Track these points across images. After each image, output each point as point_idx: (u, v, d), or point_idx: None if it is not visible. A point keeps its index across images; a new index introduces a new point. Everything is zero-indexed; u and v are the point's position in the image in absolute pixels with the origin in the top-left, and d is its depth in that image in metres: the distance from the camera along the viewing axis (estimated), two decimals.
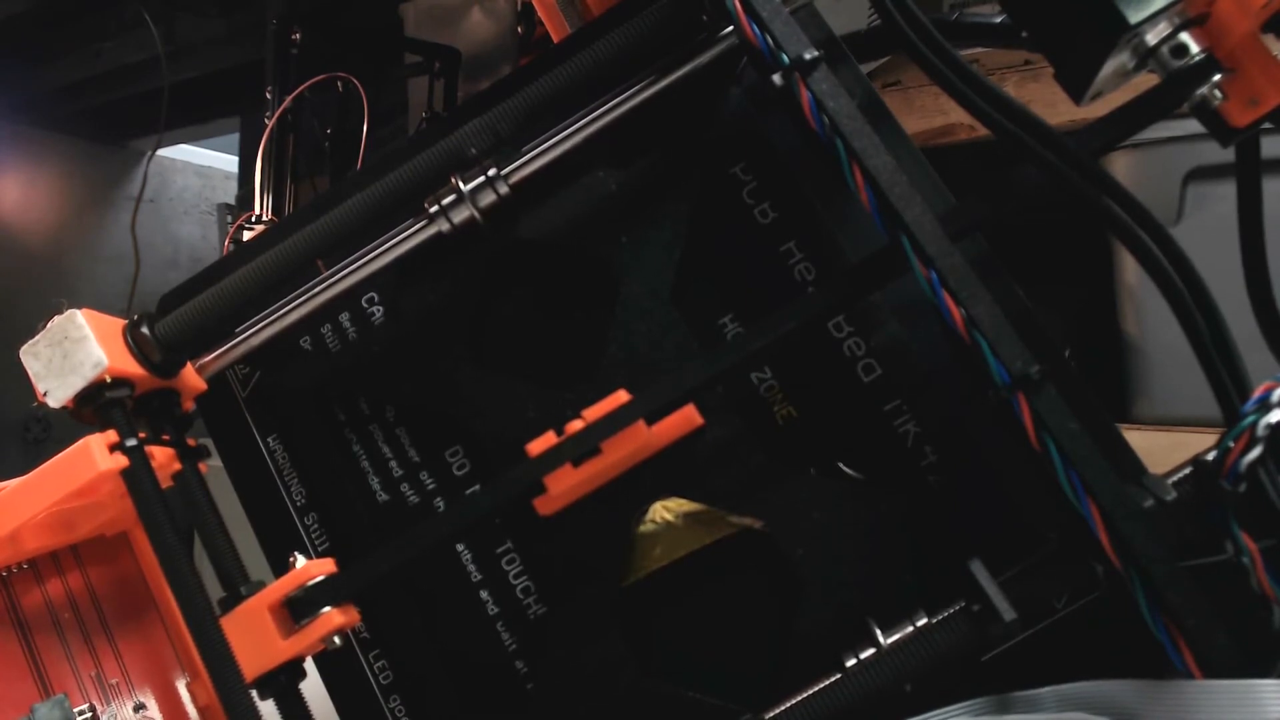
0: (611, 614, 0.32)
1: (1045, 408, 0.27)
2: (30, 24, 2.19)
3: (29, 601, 0.37)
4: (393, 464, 0.34)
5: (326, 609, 0.32)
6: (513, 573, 0.33)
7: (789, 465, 0.31)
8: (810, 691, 0.29)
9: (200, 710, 0.39)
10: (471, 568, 0.33)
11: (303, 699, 0.33)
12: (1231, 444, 0.27)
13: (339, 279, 0.34)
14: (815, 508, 0.31)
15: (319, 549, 0.35)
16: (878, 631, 0.28)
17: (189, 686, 0.39)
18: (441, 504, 0.34)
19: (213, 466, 0.36)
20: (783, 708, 0.29)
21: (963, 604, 0.28)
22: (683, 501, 0.32)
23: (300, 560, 0.33)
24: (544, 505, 0.31)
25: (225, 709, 0.30)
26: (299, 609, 0.32)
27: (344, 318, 0.36)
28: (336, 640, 0.32)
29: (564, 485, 0.30)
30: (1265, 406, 0.27)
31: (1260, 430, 0.27)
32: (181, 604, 0.31)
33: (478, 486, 0.34)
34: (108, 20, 2.21)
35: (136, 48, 2.16)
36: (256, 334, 0.35)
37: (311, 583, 0.32)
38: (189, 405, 0.37)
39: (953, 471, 0.29)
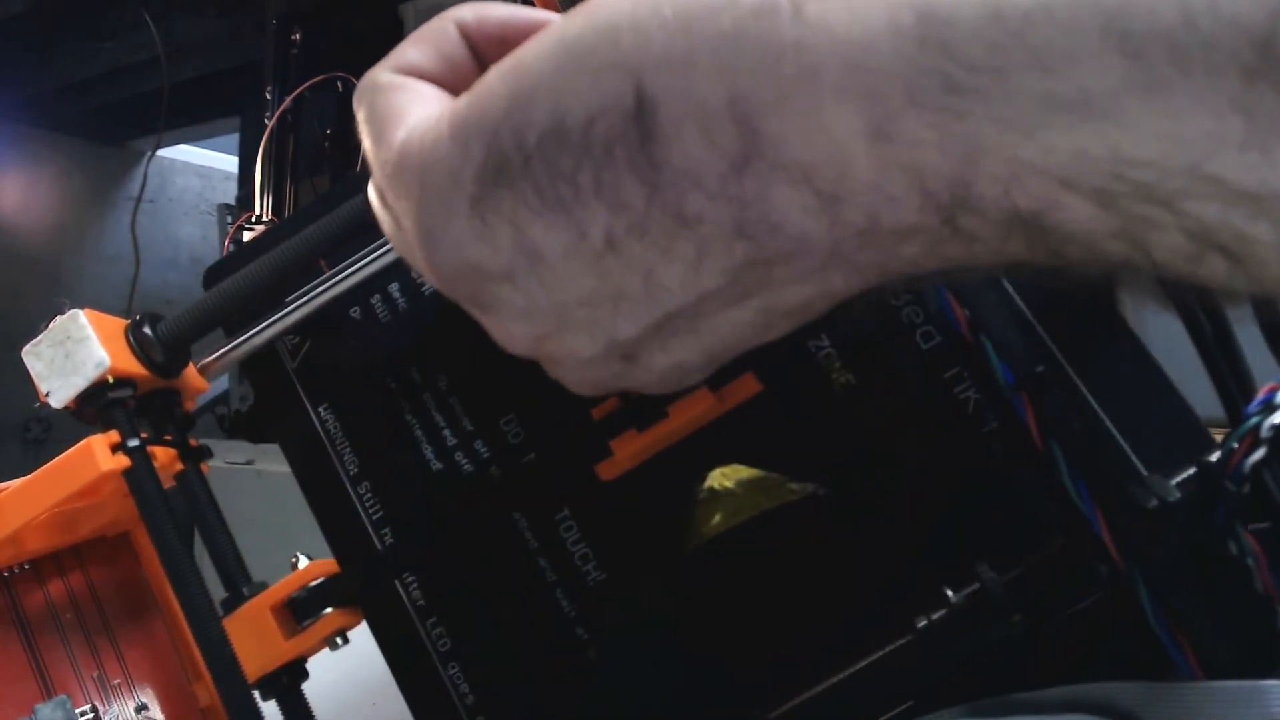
0: (672, 580, 0.32)
1: (1049, 408, 0.27)
2: (30, 24, 2.19)
3: (31, 602, 0.37)
4: (446, 432, 0.34)
5: (329, 610, 0.32)
6: (571, 539, 0.33)
7: (847, 431, 0.31)
8: (867, 661, 0.29)
9: (202, 711, 0.39)
10: (529, 535, 0.33)
11: (305, 700, 0.33)
12: (1235, 445, 0.27)
13: (385, 251, 0.34)
14: (874, 474, 0.30)
15: (373, 518, 0.35)
16: (950, 593, 0.28)
17: (191, 687, 0.39)
18: (497, 472, 0.34)
19: (219, 468, 0.36)
20: (835, 680, 0.29)
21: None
22: (741, 468, 0.32)
23: (302, 561, 0.33)
24: (607, 470, 0.32)
25: (227, 709, 0.30)
26: (301, 609, 0.32)
27: (393, 288, 0.35)
28: (339, 641, 0.32)
29: (629, 449, 0.31)
30: (1270, 408, 0.27)
31: (1265, 431, 0.27)
32: (184, 604, 0.31)
33: (533, 455, 0.33)
34: (108, 20, 2.21)
35: (136, 48, 2.17)
36: (262, 331, 0.35)
37: (314, 583, 0.32)
38: (190, 405, 0.37)
39: (1014, 440, 0.29)
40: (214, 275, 0.37)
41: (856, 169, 0.18)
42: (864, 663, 0.29)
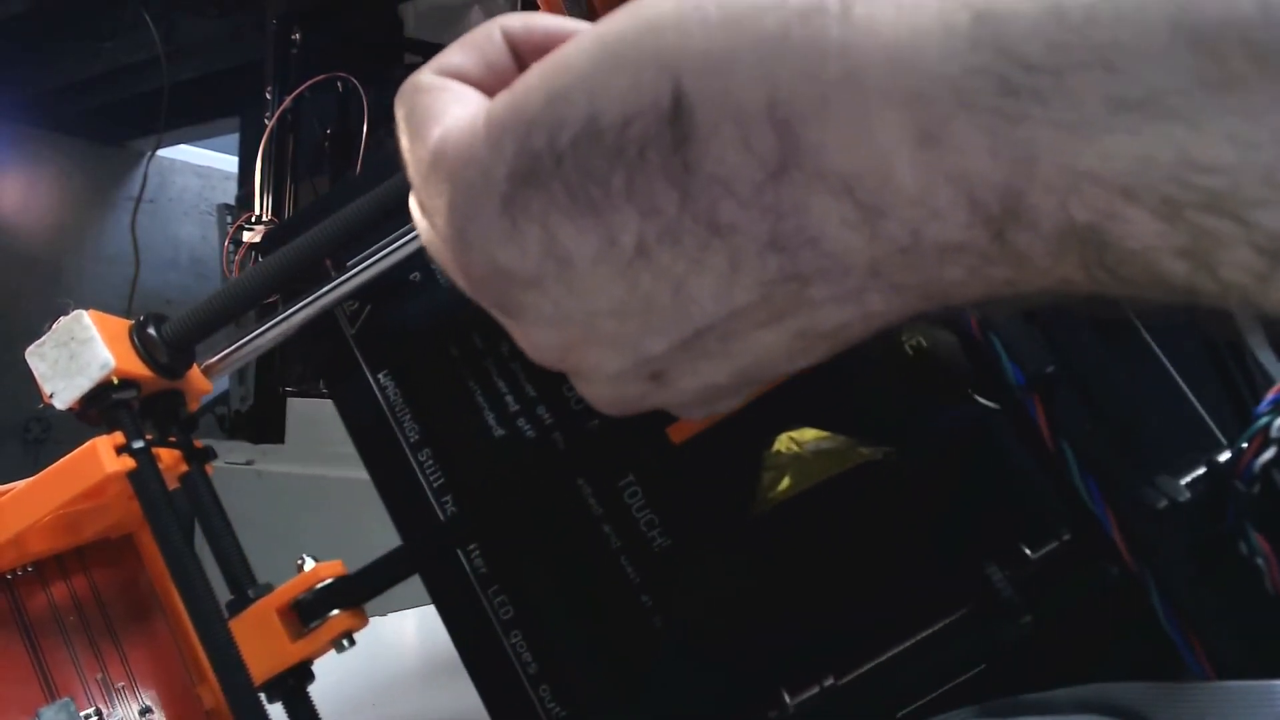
0: (738, 545, 0.31)
1: (1060, 408, 0.27)
2: (30, 24, 2.19)
3: (34, 604, 0.37)
4: (508, 399, 0.34)
5: (335, 612, 0.32)
6: (635, 505, 0.32)
7: (920, 395, 0.30)
8: (940, 626, 0.29)
9: (207, 713, 0.39)
10: (592, 501, 0.33)
11: (311, 702, 0.33)
12: (1245, 445, 0.27)
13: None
14: (947, 437, 0.30)
15: (434, 485, 0.34)
16: (1027, 550, 0.28)
17: (196, 690, 0.39)
18: (560, 438, 0.33)
19: (220, 468, 0.36)
20: (851, 677, 0.29)
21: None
22: (810, 430, 0.31)
23: (308, 563, 0.33)
24: (678, 432, 0.31)
25: (233, 712, 0.30)
26: (308, 611, 0.32)
27: None
28: (345, 643, 0.32)
29: None
30: (1279, 408, 0.27)
31: (1275, 432, 0.27)
32: (189, 607, 0.31)
33: (597, 420, 0.33)
34: (108, 20, 2.21)
35: (136, 48, 2.17)
36: (265, 334, 0.35)
37: (320, 585, 0.32)
38: (195, 406, 0.37)
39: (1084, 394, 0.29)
40: (276, 239, 0.36)
41: (901, 178, 0.17)
42: (870, 665, 0.29)
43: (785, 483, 0.31)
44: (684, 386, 0.23)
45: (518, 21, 0.24)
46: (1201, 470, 0.28)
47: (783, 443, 0.31)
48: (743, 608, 0.31)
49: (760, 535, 0.31)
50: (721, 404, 0.24)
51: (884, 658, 0.29)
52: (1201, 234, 0.16)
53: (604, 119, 0.19)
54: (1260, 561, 0.26)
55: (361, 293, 0.35)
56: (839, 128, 0.17)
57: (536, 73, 0.20)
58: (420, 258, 0.35)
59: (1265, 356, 0.31)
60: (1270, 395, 0.27)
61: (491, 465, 0.34)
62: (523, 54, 0.24)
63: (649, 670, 0.32)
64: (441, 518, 0.34)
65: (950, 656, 0.28)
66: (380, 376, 0.35)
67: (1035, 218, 0.17)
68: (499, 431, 0.34)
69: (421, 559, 0.33)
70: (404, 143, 0.22)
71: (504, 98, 0.20)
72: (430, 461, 0.34)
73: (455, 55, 0.24)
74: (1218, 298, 0.17)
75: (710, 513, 0.32)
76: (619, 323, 0.21)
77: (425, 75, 0.23)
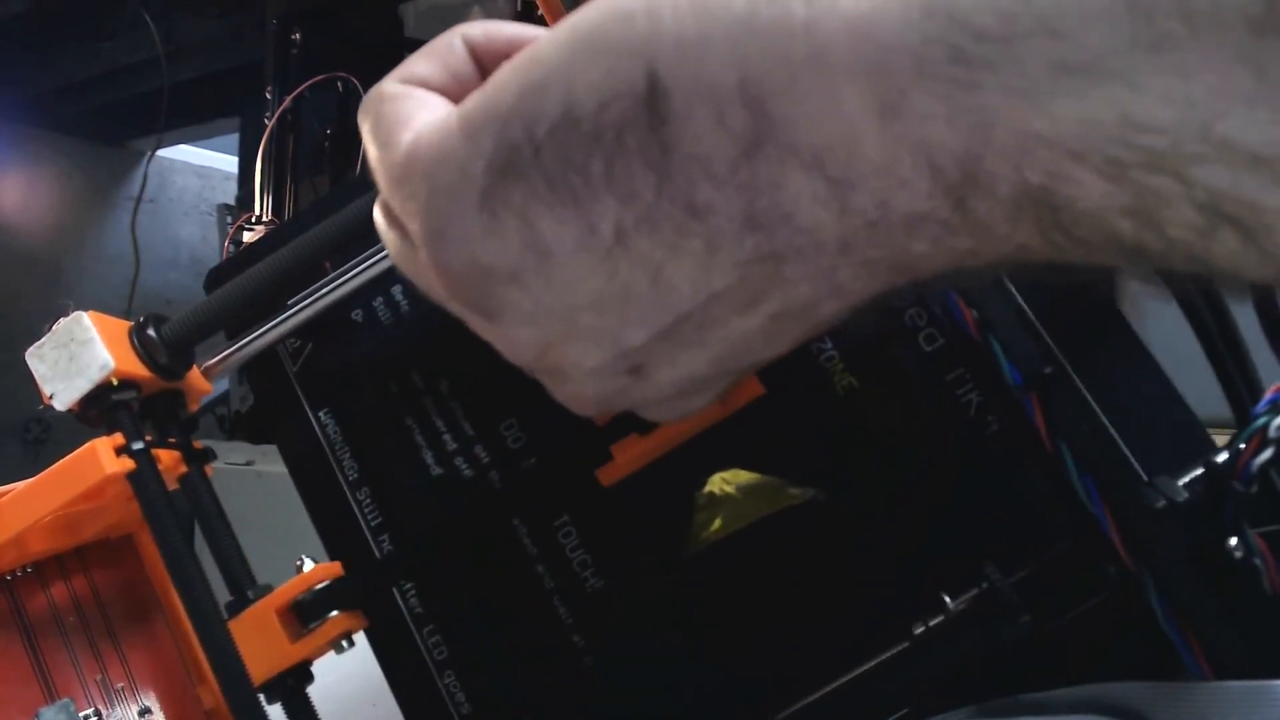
0: (670, 586, 0.32)
1: (1058, 409, 0.27)
2: (30, 24, 2.19)
3: (34, 605, 0.37)
4: (446, 437, 0.34)
5: (335, 613, 0.32)
6: (569, 546, 0.32)
7: (850, 435, 0.31)
8: (875, 662, 0.29)
9: (206, 714, 0.39)
10: (527, 541, 0.33)
11: (310, 703, 0.33)
12: (1243, 445, 0.27)
13: (387, 255, 0.33)
14: (877, 478, 0.30)
15: (371, 524, 0.34)
16: (948, 600, 0.28)
17: (195, 690, 0.39)
18: (497, 477, 0.34)
19: (218, 469, 0.36)
20: (843, 681, 0.29)
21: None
22: (741, 472, 0.31)
23: (308, 564, 0.33)
24: (608, 474, 0.31)
25: (232, 712, 0.30)
26: (307, 612, 0.32)
27: (396, 290, 0.35)
28: (344, 644, 0.32)
29: (630, 454, 0.31)
30: (1277, 408, 0.27)
31: (1272, 432, 0.27)
32: (189, 607, 0.31)
33: (533, 460, 0.33)
34: (108, 20, 2.21)
35: (136, 48, 2.17)
36: (265, 333, 0.35)
37: (319, 586, 0.32)
38: (194, 407, 0.37)
39: (1016, 441, 0.29)
40: (216, 278, 0.37)
41: (867, 149, 0.18)
42: (864, 668, 0.29)
43: (717, 523, 0.31)
44: (662, 379, 0.23)
45: (478, 30, 0.25)
46: (1199, 470, 0.28)
47: (715, 483, 0.31)
48: (676, 648, 0.31)
49: (694, 576, 0.31)
50: (695, 401, 0.25)
51: (820, 694, 0.29)
52: (1146, 192, 0.16)
53: (581, 106, 0.19)
54: (1258, 561, 0.26)
55: (304, 331, 0.35)
56: (808, 102, 0.18)
57: (509, 69, 0.20)
58: (362, 296, 0.35)
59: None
60: (1268, 395, 0.27)
61: (429, 504, 0.34)
62: (484, 62, 0.24)
63: (581, 711, 0.32)
64: (378, 556, 0.34)
65: (950, 657, 0.28)
66: (321, 414, 0.36)
67: (992, 183, 0.17)
68: (437, 470, 0.34)
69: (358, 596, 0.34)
70: (372, 152, 0.23)
71: (476, 96, 0.21)
72: (368, 500, 0.35)
73: (419, 64, 0.24)
74: (1165, 256, 0.17)
75: (643, 553, 0.32)
76: (598, 315, 0.21)
77: (389, 84, 0.23)
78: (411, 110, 0.22)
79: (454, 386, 0.34)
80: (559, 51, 0.19)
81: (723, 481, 0.32)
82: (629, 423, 0.31)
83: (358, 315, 0.36)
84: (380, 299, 0.35)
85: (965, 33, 0.16)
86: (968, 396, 0.30)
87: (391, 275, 0.35)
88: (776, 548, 0.31)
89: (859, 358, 0.31)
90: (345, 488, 0.35)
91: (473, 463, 0.34)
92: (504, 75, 0.20)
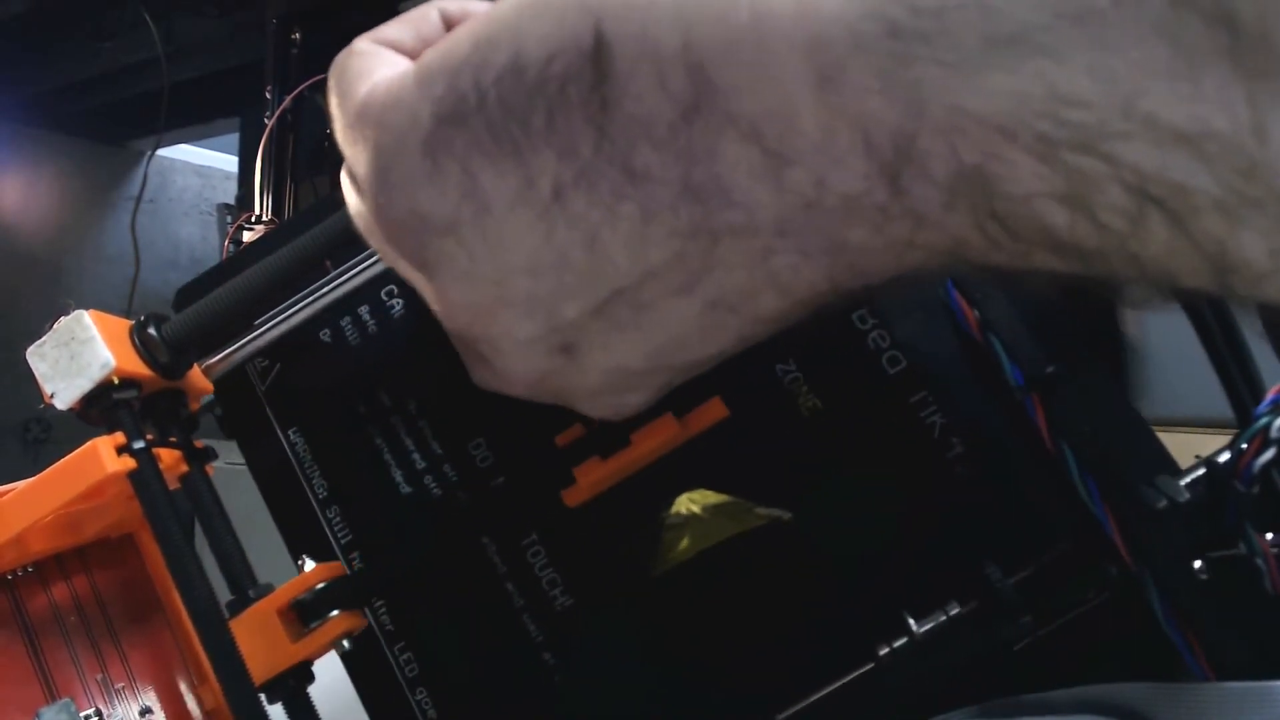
0: (639, 606, 0.32)
1: (1060, 409, 0.27)
2: (30, 24, 2.19)
3: (34, 605, 0.37)
4: (415, 456, 0.34)
5: (335, 612, 0.32)
6: (538, 564, 0.33)
7: (815, 457, 0.31)
8: (842, 682, 0.29)
9: (207, 714, 0.39)
10: (496, 559, 0.33)
11: (311, 703, 0.33)
12: (1245, 446, 0.27)
13: (357, 272, 0.34)
14: (841, 500, 0.31)
15: (341, 542, 0.35)
16: (911, 621, 0.28)
17: (196, 690, 0.39)
18: (465, 497, 0.34)
19: (219, 468, 0.36)
20: (812, 699, 0.29)
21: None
22: (708, 493, 0.32)
23: (309, 563, 0.33)
24: (571, 496, 0.32)
25: (233, 712, 0.30)
26: (308, 612, 0.32)
27: (363, 310, 0.35)
28: (345, 644, 0.32)
29: (593, 477, 0.31)
30: (1279, 408, 0.27)
31: (1274, 432, 0.27)
32: (189, 607, 0.31)
33: (502, 479, 0.33)
34: (108, 20, 2.20)
35: (136, 48, 2.16)
36: (266, 333, 0.35)
37: (320, 586, 0.32)
38: (195, 406, 0.37)
39: (980, 463, 0.29)
40: (185, 297, 0.37)
41: (804, 123, 0.18)
42: (830, 687, 0.29)
43: (685, 543, 0.31)
44: (594, 363, 0.23)
45: (455, 5, 0.25)
46: (1201, 471, 0.28)
47: (682, 503, 0.32)
48: (645, 667, 0.32)
49: (662, 595, 0.32)
50: (628, 398, 0.25)
51: (784, 715, 0.29)
52: (1075, 174, 0.16)
53: (528, 56, 0.19)
54: (1259, 561, 0.26)
55: (272, 350, 0.36)
56: (747, 70, 0.18)
57: (465, 25, 0.21)
58: (330, 316, 0.35)
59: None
60: (1269, 396, 0.27)
61: (398, 522, 0.34)
62: None
63: None
64: (349, 573, 0.34)
65: (951, 657, 0.28)
66: (290, 433, 0.36)
67: (926, 161, 0.17)
68: (406, 489, 0.34)
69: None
70: (334, 103, 0.23)
71: (433, 49, 0.21)
72: (338, 518, 0.35)
73: (392, 28, 0.25)
74: (1099, 252, 0.17)
75: (612, 572, 0.32)
76: (533, 281, 0.21)
77: (360, 43, 0.24)
78: (375, 65, 0.23)
79: (422, 406, 0.34)
80: (514, 6, 0.20)
81: (690, 502, 0.32)
82: (591, 445, 0.31)
83: (325, 335, 0.36)
84: (348, 319, 0.36)
85: (901, 5, 0.16)
86: (932, 419, 0.30)
87: (359, 295, 0.35)
88: (744, 568, 0.31)
89: (822, 379, 0.31)
90: (315, 505, 0.35)
91: (441, 481, 0.34)
92: (461, 29, 0.21)
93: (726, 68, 0.18)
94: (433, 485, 0.34)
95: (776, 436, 0.31)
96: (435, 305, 0.24)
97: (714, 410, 0.31)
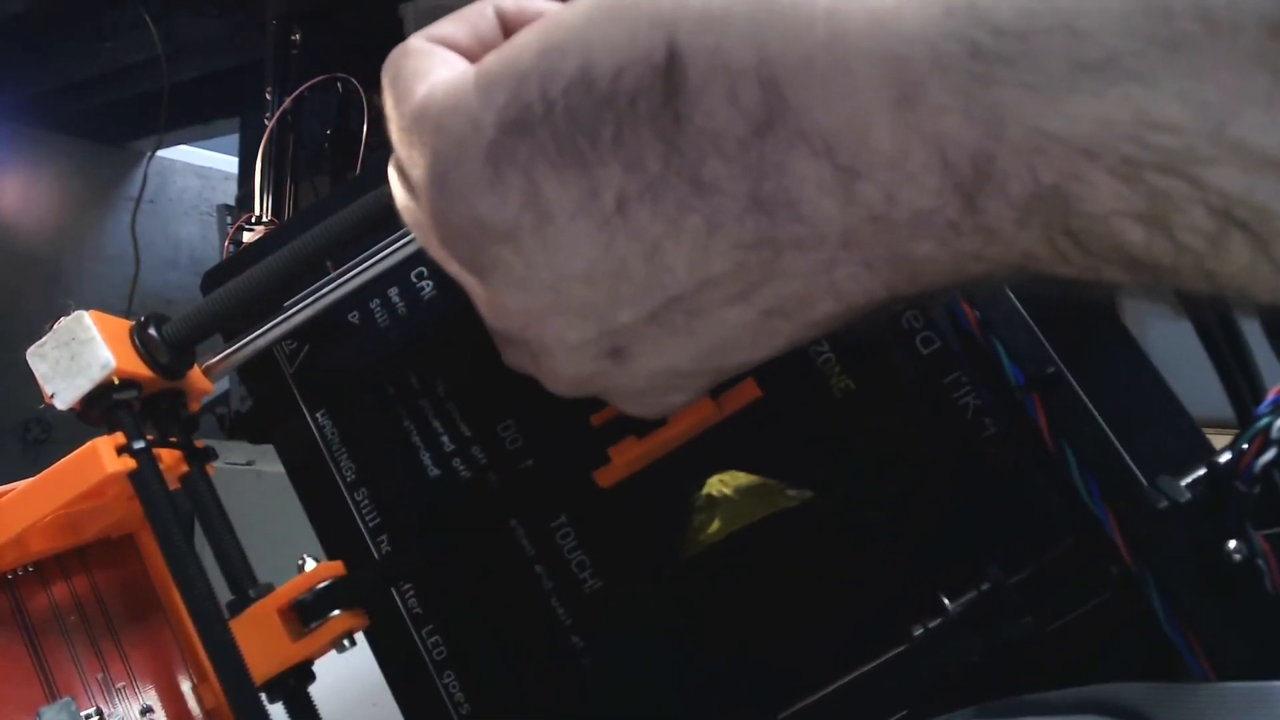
0: (668, 587, 0.32)
1: (1060, 409, 0.27)
2: (30, 24, 2.19)
3: (35, 604, 0.37)
4: (444, 438, 0.34)
5: (336, 612, 0.32)
6: (567, 547, 0.33)
7: (848, 438, 0.31)
8: (877, 662, 0.29)
9: (207, 713, 0.39)
10: (525, 542, 0.33)
11: (312, 702, 0.33)
12: (1246, 446, 0.27)
13: (385, 255, 0.33)
14: (874, 480, 0.30)
15: (369, 524, 0.35)
16: (946, 601, 0.28)
17: (196, 689, 0.39)
18: (494, 479, 0.34)
19: (219, 468, 0.36)
20: (845, 681, 0.29)
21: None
22: (739, 474, 0.31)
23: (309, 563, 0.33)
24: (605, 476, 0.31)
25: (234, 712, 0.30)
26: (308, 612, 0.32)
27: (393, 292, 0.35)
28: (346, 643, 0.32)
29: (628, 455, 0.31)
30: (1279, 409, 0.27)
31: (1275, 433, 0.26)
32: (190, 607, 0.31)
33: (531, 461, 0.33)
34: (108, 20, 2.21)
35: (136, 48, 2.16)
36: (266, 333, 0.35)
37: (321, 585, 0.32)
38: (195, 406, 0.37)
39: (1012, 444, 0.29)
40: (213, 279, 0.37)
41: (878, 140, 0.18)
42: (862, 670, 0.29)
43: (715, 525, 0.31)
44: (642, 366, 0.23)
45: (510, 3, 0.25)
46: (1202, 471, 0.28)
47: (712, 485, 0.32)
48: (674, 649, 0.31)
49: (692, 577, 0.31)
50: (671, 398, 0.24)
51: (821, 694, 0.29)
52: (1158, 195, 0.16)
53: (598, 69, 0.19)
54: (1260, 562, 0.26)
55: (300, 333, 0.35)
56: (822, 87, 0.18)
57: (530, 30, 0.20)
58: (359, 298, 0.35)
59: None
60: (1270, 396, 0.27)
61: (427, 505, 0.34)
62: (513, 32, 0.25)
63: (579, 711, 0.32)
64: (377, 556, 0.34)
65: (952, 657, 0.28)
66: (318, 416, 0.36)
67: (1004, 181, 0.17)
68: (434, 471, 0.34)
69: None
70: (389, 103, 0.23)
71: (495, 54, 0.21)
72: (366, 501, 0.35)
73: (447, 25, 0.24)
74: (1173, 270, 0.17)
75: (641, 555, 0.32)
76: (589, 288, 0.21)
77: (415, 41, 0.24)
78: (432, 65, 0.22)
79: (451, 388, 0.34)
80: (583, 15, 0.20)
81: (720, 483, 0.32)
82: (626, 425, 0.31)
83: (354, 317, 0.36)
84: (377, 301, 0.35)
85: (985, 28, 0.16)
86: (965, 400, 0.30)
87: (388, 278, 0.35)
88: (774, 549, 0.31)
89: (856, 360, 0.31)
90: (343, 489, 0.35)
91: (470, 464, 0.34)
92: (525, 35, 0.20)
93: (801, 84, 0.18)
94: (461, 468, 0.34)
95: (809, 417, 0.31)
96: (485, 309, 0.24)
97: (748, 391, 0.31)
